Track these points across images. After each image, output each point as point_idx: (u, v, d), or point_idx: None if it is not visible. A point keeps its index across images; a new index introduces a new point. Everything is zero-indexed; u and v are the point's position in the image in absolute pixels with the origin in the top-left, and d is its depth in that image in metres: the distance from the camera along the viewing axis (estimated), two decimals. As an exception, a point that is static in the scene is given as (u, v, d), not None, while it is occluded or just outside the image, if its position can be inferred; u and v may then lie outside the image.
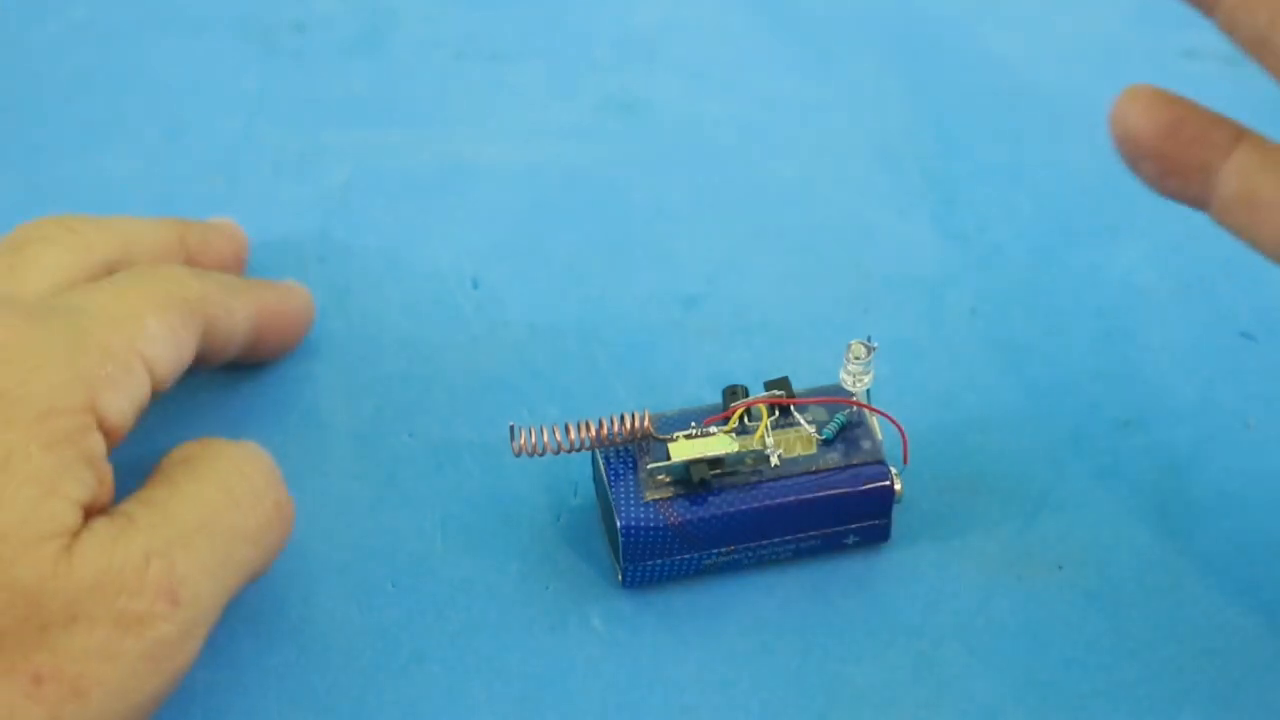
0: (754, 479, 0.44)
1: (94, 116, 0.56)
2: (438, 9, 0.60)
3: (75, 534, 0.37)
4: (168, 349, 0.42)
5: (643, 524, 0.43)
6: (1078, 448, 0.47)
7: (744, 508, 0.43)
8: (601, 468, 0.44)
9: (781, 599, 0.44)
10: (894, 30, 0.60)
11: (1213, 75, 0.57)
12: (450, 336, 0.50)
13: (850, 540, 0.45)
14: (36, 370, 0.39)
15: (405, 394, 0.49)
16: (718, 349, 0.50)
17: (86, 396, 0.39)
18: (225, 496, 0.40)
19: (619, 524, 0.43)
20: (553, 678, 0.43)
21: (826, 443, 0.44)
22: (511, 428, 0.44)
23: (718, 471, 0.44)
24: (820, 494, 0.44)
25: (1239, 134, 0.40)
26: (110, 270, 0.45)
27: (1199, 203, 0.41)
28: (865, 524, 0.44)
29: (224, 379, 0.49)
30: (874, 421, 0.45)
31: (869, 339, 0.44)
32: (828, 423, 0.45)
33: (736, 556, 0.44)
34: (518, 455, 0.44)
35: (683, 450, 0.43)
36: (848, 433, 0.45)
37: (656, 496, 0.43)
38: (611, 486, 0.43)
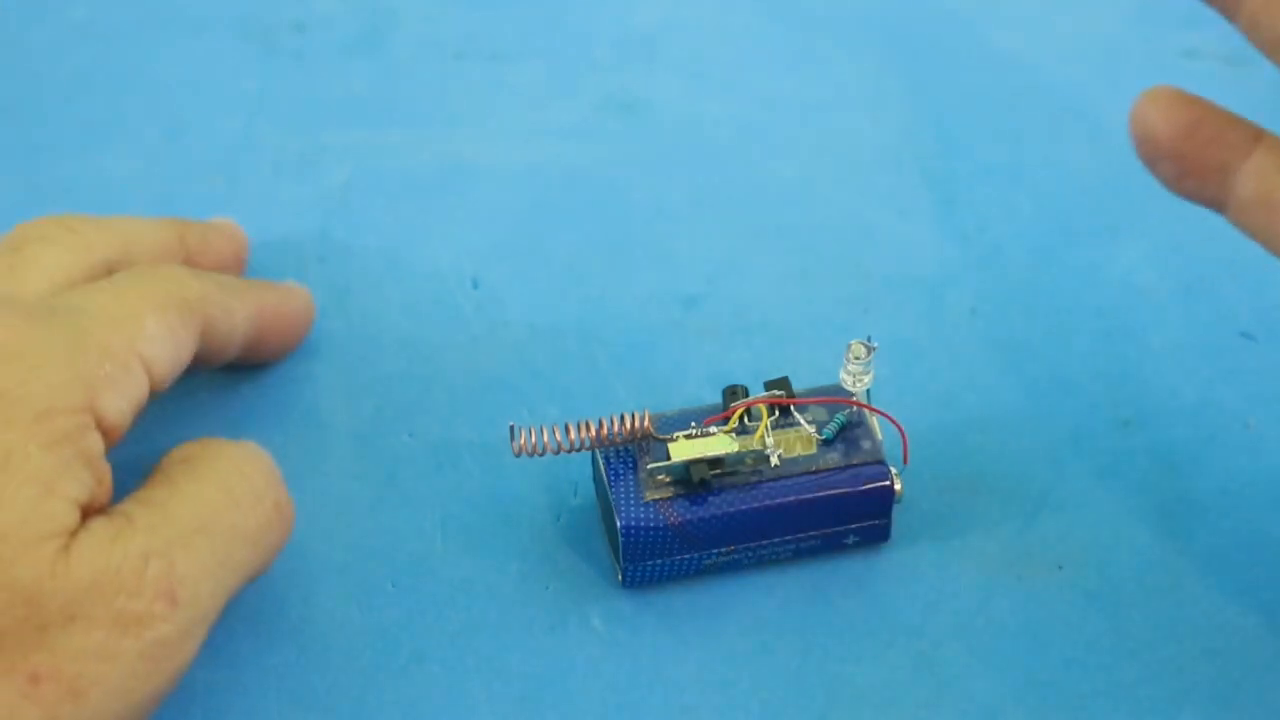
0: (754, 479, 0.44)
1: (94, 116, 0.56)
2: (438, 9, 0.60)
3: (73, 534, 0.37)
4: (166, 349, 0.42)
5: (643, 524, 0.43)
6: (1078, 448, 0.47)
7: (744, 508, 0.43)
8: (601, 468, 0.44)
9: (781, 599, 0.44)
10: (894, 30, 0.60)
11: (1213, 75, 0.57)
12: (450, 336, 0.50)
13: (850, 540, 0.45)
14: (35, 370, 0.39)
15: (405, 394, 0.49)
16: (718, 349, 0.50)
17: (85, 396, 0.39)
18: (225, 497, 0.40)
19: (619, 524, 0.43)
20: (553, 678, 0.43)
21: (826, 443, 0.44)
22: (511, 428, 0.44)
23: (718, 471, 0.44)
24: (820, 494, 0.44)
25: (1258, 135, 0.40)
26: (110, 270, 0.45)
27: (1217, 204, 0.41)
28: (865, 524, 0.44)
29: (224, 379, 0.49)
30: (874, 421, 0.45)
31: (869, 339, 0.44)
32: (828, 423, 0.45)
33: (736, 556, 0.44)
34: (518, 455, 0.44)
35: (683, 450, 0.43)
36: (848, 433, 0.45)
37: (656, 496, 0.43)
38: (611, 486, 0.43)
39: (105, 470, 0.39)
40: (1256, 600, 0.44)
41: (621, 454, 0.44)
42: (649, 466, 0.44)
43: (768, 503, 0.43)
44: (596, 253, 0.53)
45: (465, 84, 0.58)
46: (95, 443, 0.39)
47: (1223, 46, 0.58)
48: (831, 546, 0.45)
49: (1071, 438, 0.48)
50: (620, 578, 0.44)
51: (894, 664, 0.43)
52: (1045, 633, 0.44)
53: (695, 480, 0.43)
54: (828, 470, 0.44)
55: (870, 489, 0.44)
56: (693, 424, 0.44)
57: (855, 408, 0.45)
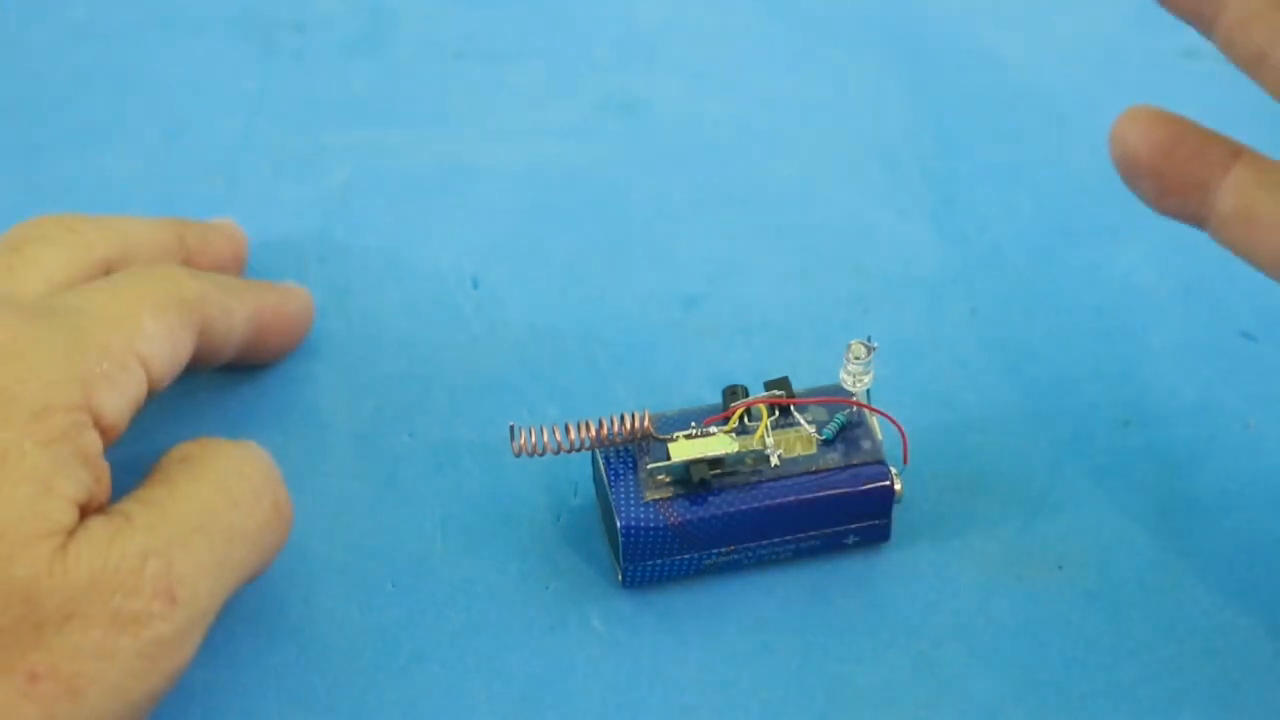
0: (754, 479, 0.44)
1: (94, 116, 0.56)
2: (438, 9, 0.60)
3: (71, 533, 0.37)
4: (164, 348, 0.42)
5: (643, 524, 0.43)
6: (1078, 448, 0.47)
7: (744, 508, 0.43)
8: (601, 468, 0.44)
9: (781, 599, 0.44)
10: (894, 30, 0.60)
11: (1212, 75, 0.57)
12: (450, 336, 0.50)
13: (850, 540, 0.45)
14: (32, 368, 0.39)
15: (405, 394, 0.49)
16: (718, 349, 0.50)
17: (82, 395, 0.39)
18: (224, 496, 0.40)
19: (619, 524, 0.43)
20: (553, 678, 0.43)
21: (826, 443, 0.44)
22: (511, 428, 0.44)
23: (718, 471, 0.44)
24: (820, 494, 0.44)
25: (1236, 151, 0.40)
26: (109, 270, 0.45)
27: (1197, 220, 0.41)
28: (865, 524, 0.44)
29: (224, 379, 0.49)
30: (874, 421, 0.45)
31: (869, 339, 0.44)
32: (828, 423, 0.45)
33: (736, 556, 0.44)
34: (518, 455, 0.44)
35: (683, 450, 0.43)
36: (848, 433, 0.45)
37: (656, 496, 0.43)
38: (611, 486, 0.43)
39: (103, 469, 0.39)
40: (1256, 600, 0.44)
41: (621, 454, 0.44)
42: (649, 466, 0.44)
43: (768, 503, 0.43)
44: (596, 253, 0.53)
45: (465, 84, 0.58)
46: (93, 441, 0.39)
47: (1223, 46, 0.58)
48: (831, 546, 0.45)
49: (1071, 438, 0.48)
50: (620, 578, 0.44)
51: (894, 664, 0.43)
52: (1045, 633, 0.44)
53: (695, 480, 0.43)
54: (828, 470, 0.44)
55: (870, 489, 0.44)
56: (693, 424, 0.44)
57: (855, 408, 0.45)
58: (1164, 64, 0.58)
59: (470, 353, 0.50)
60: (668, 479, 0.44)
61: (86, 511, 0.38)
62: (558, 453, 0.44)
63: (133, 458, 0.42)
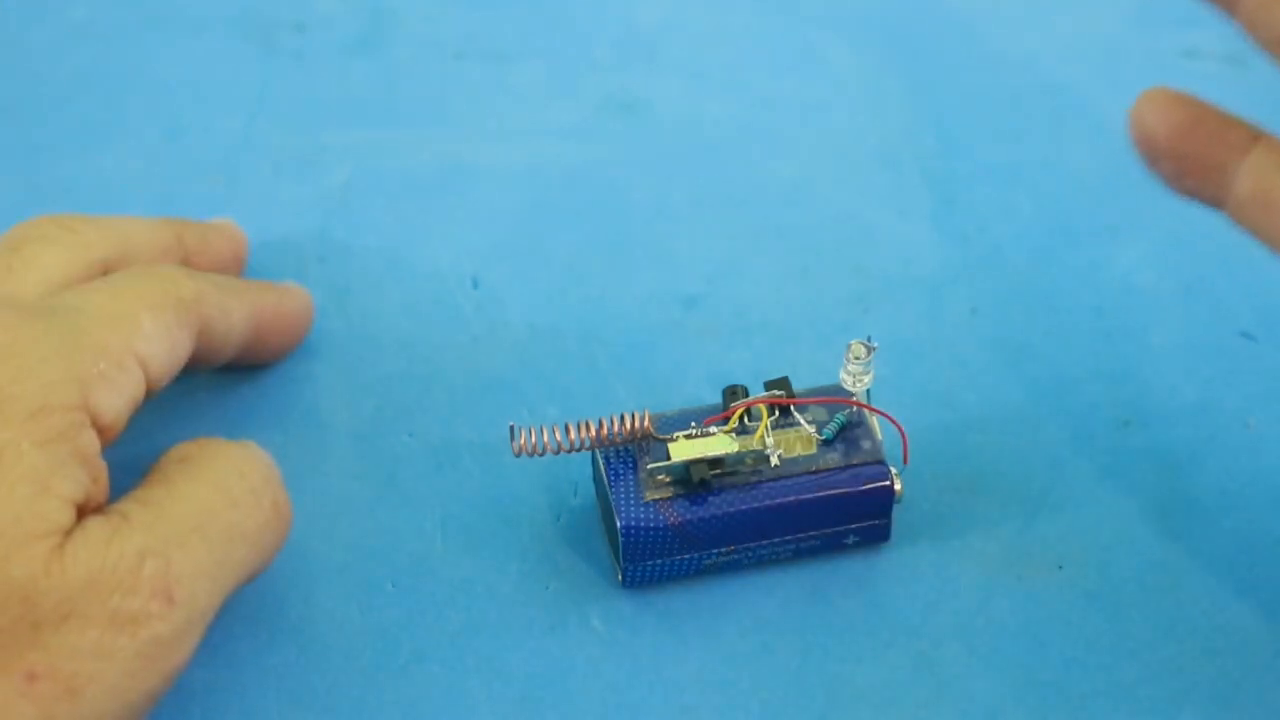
0: (754, 479, 0.44)
1: (94, 116, 0.56)
2: (438, 9, 0.60)
3: (68, 532, 0.37)
4: (163, 348, 0.42)
5: (643, 524, 0.43)
6: (1078, 448, 0.47)
7: (744, 508, 0.43)
8: (601, 468, 0.44)
9: (781, 599, 0.44)
10: (894, 30, 0.60)
11: (1213, 75, 0.57)
12: (450, 336, 0.50)
13: (850, 540, 0.45)
14: (30, 368, 0.39)
15: (405, 394, 0.49)
16: (718, 349, 0.50)
17: (80, 394, 0.39)
18: (223, 496, 0.40)
19: (619, 524, 0.43)
20: (553, 678, 0.43)
21: (826, 443, 0.44)
22: (511, 428, 0.44)
23: (718, 471, 0.44)
24: (820, 494, 0.44)
25: (1255, 135, 0.40)
26: (107, 270, 0.45)
27: (1215, 202, 0.41)
28: (865, 524, 0.44)
29: (224, 379, 0.49)
30: (874, 421, 0.45)
31: (869, 339, 0.44)
32: (828, 423, 0.45)
33: (736, 556, 0.44)
34: (518, 455, 0.44)
35: (683, 450, 0.43)
36: (848, 433, 0.45)
37: (656, 496, 0.43)
38: (611, 486, 0.43)
39: (101, 469, 0.39)
40: (1256, 600, 0.44)
41: (621, 454, 0.44)
42: (649, 466, 0.44)
43: (768, 503, 0.43)
44: (596, 253, 0.53)
45: (465, 84, 0.58)
46: (90, 441, 0.39)
47: (1223, 46, 0.58)
48: (831, 546, 0.45)
49: (1071, 438, 0.48)
50: (620, 578, 0.44)
51: (894, 664, 0.43)
52: (1045, 633, 0.44)
53: (695, 480, 0.43)
54: (828, 470, 0.44)
55: (870, 489, 0.44)
56: (693, 424, 0.44)
57: (855, 408, 0.45)
58: (1164, 64, 0.58)
59: (470, 353, 0.50)
60: (668, 479, 0.44)
61: (84, 511, 0.38)
62: (558, 453, 0.44)
63: (132, 458, 0.42)
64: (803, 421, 0.44)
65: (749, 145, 0.56)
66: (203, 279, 0.45)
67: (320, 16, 0.60)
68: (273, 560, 0.42)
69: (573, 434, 0.44)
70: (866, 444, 0.44)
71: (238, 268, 0.50)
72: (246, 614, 0.44)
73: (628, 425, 0.44)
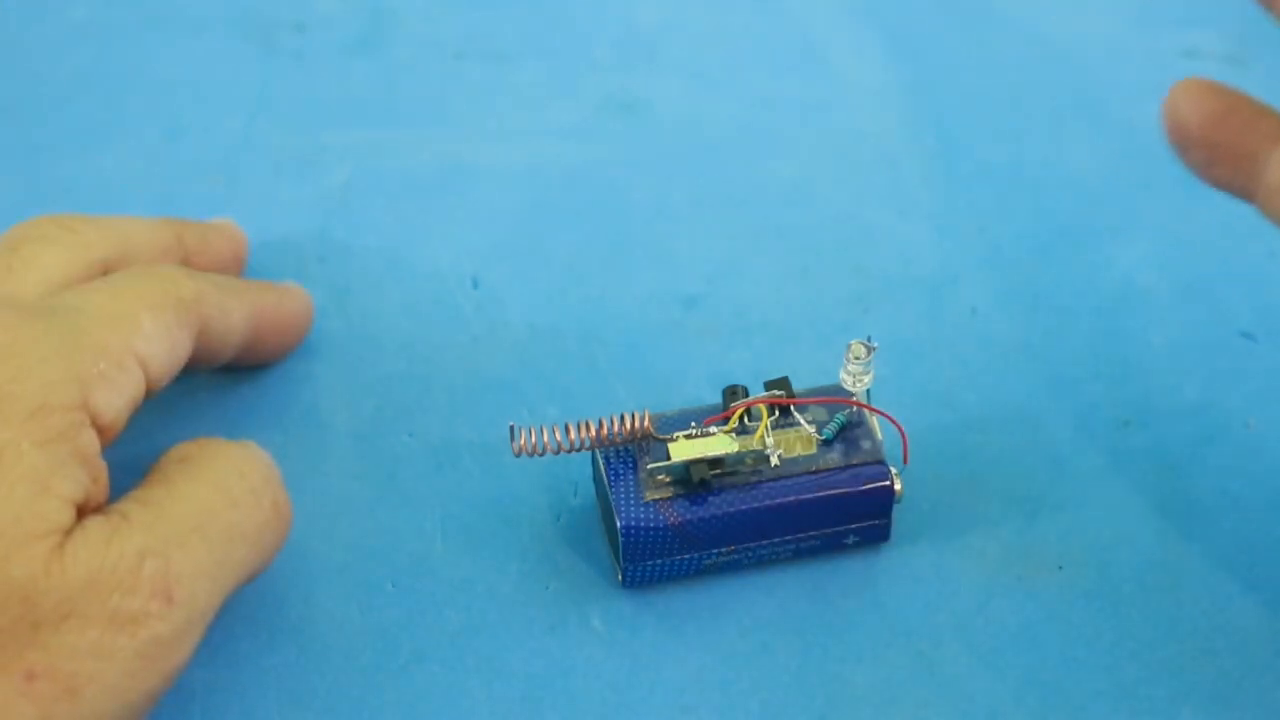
0: (754, 479, 0.44)
1: (94, 116, 0.56)
2: (438, 9, 0.60)
3: (68, 532, 0.37)
4: (163, 347, 0.42)
5: (643, 524, 0.43)
6: (1078, 448, 0.47)
7: (744, 508, 0.43)
8: (601, 468, 0.44)
9: (781, 599, 0.44)
10: (894, 30, 0.60)
11: (1213, 75, 0.56)
12: (450, 336, 0.50)
13: (850, 540, 0.45)
14: (30, 368, 0.39)
15: (405, 394, 0.49)
16: (718, 349, 0.50)
17: (79, 394, 0.39)
18: (222, 496, 0.40)
19: (619, 524, 0.43)
20: (553, 678, 0.43)
21: (826, 443, 0.44)
22: (511, 428, 0.44)
23: (718, 471, 0.44)
24: (820, 494, 0.44)
25: None
26: (107, 270, 0.45)
27: (1245, 193, 0.41)
28: (865, 524, 0.44)
29: (224, 379, 0.49)
30: (874, 421, 0.45)
31: (869, 339, 0.44)
32: (828, 423, 0.45)
33: (736, 556, 0.44)
34: (518, 455, 0.44)
35: (683, 450, 0.43)
36: (848, 433, 0.45)
37: (656, 496, 0.43)
38: (611, 486, 0.43)
39: (101, 468, 0.39)
40: (1256, 600, 0.44)
41: (621, 454, 0.44)
42: (649, 466, 0.44)
43: (768, 503, 0.43)
44: (596, 253, 0.53)
45: (465, 84, 0.58)
46: (90, 441, 0.39)
47: (1223, 46, 0.58)
48: (831, 546, 0.45)
49: (1071, 438, 0.48)
50: (620, 578, 0.44)
51: (894, 664, 0.43)
52: (1045, 633, 0.44)
53: (695, 480, 0.43)
54: (828, 470, 0.44)
55: (870, 489, 0.44)
56: (693, 424, 0.44)
57: (855, 408, 0.45)
58: (1164, 64, 0.58)
59: (470, 353, 0.50)
60: (668, 479, 0.44)
61: (84, 511, 0.38)
62: (558, 453, 0.44)
63: (132, 458, 0.42)
64: (803, 421, 0.45)
65: (749, 145, 0.56)
66: (202, 279, 0.45)
67: (320, 16, 0.60)
68: (273, 560, 0.42)
69: (573, 434, 0.44)
70: (866, 444, 0.44)
71: (238, 268, 0.50)
72: (246, 614, 0.44)
73: (628, 425, 0.44)
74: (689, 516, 0.43)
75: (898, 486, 0.44)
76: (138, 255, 0.46)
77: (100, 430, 0.40)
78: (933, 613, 0.44)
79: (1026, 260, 0.52)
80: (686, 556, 0.44)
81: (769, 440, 0.44)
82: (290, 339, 0.49)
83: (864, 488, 0.44)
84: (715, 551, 0.44)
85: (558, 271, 0.52)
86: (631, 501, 0.43)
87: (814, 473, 0.44)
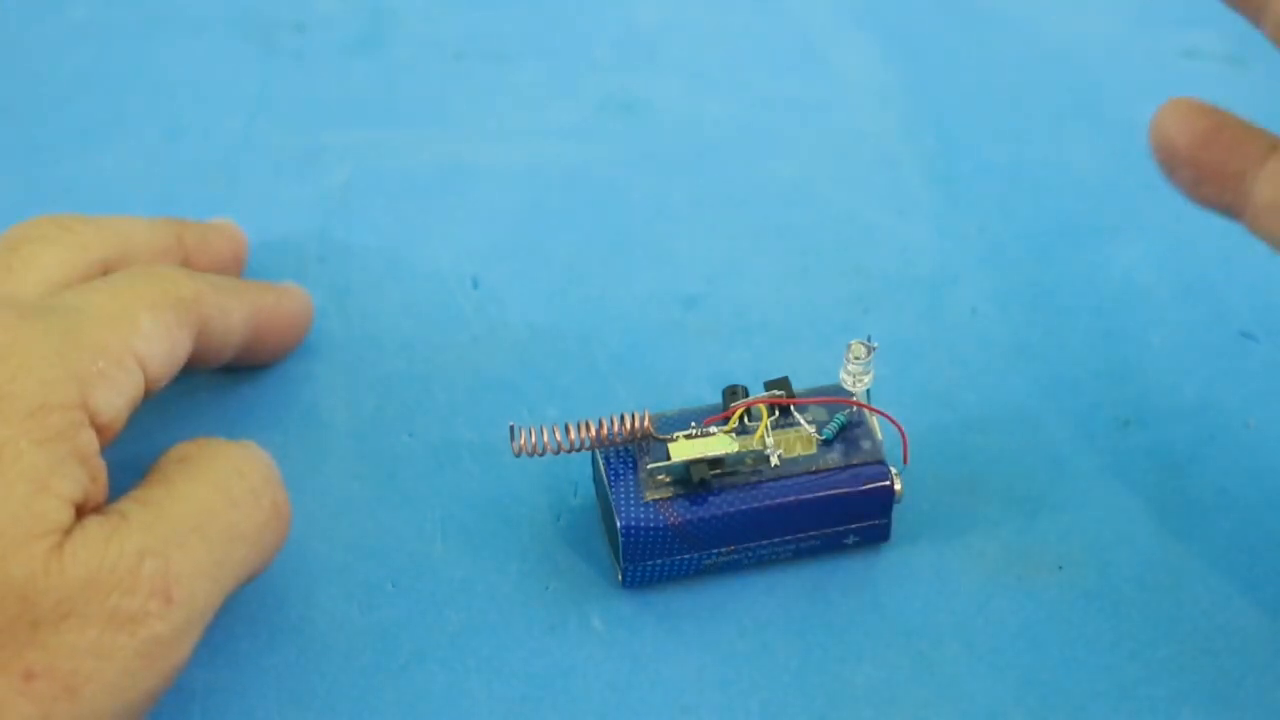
0: (754, 479, 0.44)
1: (94, 116, 0.56)
2: (438, 9, 0.60)
3: (67, 531, 0.37)
4: (162, 347, 0.42)
5: (643, 524, 0.43)
6: (1078, 448, 0.47)
7: (744, 508, 0.43)
8: (601, 468, 0.44)
9: (781, 599, 0.44)
10: (894, 29, 0.60)
11: (1213, 75, 0.57)
12: (450, 336, 0.50)
13: (850, 540, 0.45)
14: (29, 367, 0.39)
15: (405, 394, 0.49)
16: (718, 349, 0.50)
17: (78, 393, 0.39)
18: (222, 496, 0.40)
19: (619, 524, 0.43)
20: (553, 678, 0.43)
21: (826, 443, 0.44)
22: (511, 428, 0.44)
23: (718, 471, 0.44)
24: (820, 494, 0.44)
25: (1274, 144, 0.41)
26: (106, 270, 0.45)
27: (1233, 211, 0.41)
28: (865, 524, 0.44)
29: (224, 379, 0.49)
30: (874, 421, 0.45)
31: (869, 339, 0.44)
32: (828, 423, 0.45)
33: (736, 556, 0.44)
34: (518, 455, 0.44)
35: (683, 450, 0.43)
36: (848, 433, 0.45)
37: (656, 496, 0.43)
38: (611, 486, 0.43)
39: (100, 468, 0.39)
40: (1256, 600, 0.44)
41: (621, 454, 0.44)
42: (649, 466, 0.44)
43: (768, 503, 0.43)
44: (596, 253, 0.53)
45: (465, 84, 0.58)
46: (89, 440, 0.39)
47: (1223, 46, 0.58)
48: (831, 546, 0.45)
49: (1071, 438, 0.48)
50: (620, 578, 0.44)
51: (894, 664, 0.43)
52: (1045, 633, 0.44)
53: (695, 480, 0.43)
54: (828, 470, 0.44)
55: (870, 489, 0.44)
56: (693, 424, 0.44)
57: (855, 408, 0.45)
58: (1164, 64, 0.58)
59: (470, 353, 0.50)
60: (668, 479, 0.44)
61: (83, 511, 0.38)
62: (558, 453, 0.44)
63: (132, 458, 0.42)
64: (803, 421, 0.45)
65: (749, 145, 0.56)
66: (202, 279, 0.45)
67: (320, 16, 0.60)
68: (272, 560, 0.42)
69: (573, 434, 0.44)
70: (866, 444, 0.44)
71: (237, 268, 0.50)
72: (246, 614, 0.44)
73: (628, 425, 0.44)
74: (689, 516, 0.43)
75: (898, 486, 0.44)
76: (137, 255, 0.46)
77: (99, 430, 0.40)
78: (933, 613, 0.44)
79: (1026, 260, 0.52)
80: (686, 556, 0.44)
81: (769, 440, 0.44)
82: (290, 339, 0.49)
83: (864, 488, 0.44)
84: (715, 551, 0.44)
85: (558, 271, 0.52)
86: (631, 501, 0.43)
87: (814, 473, 0.44)
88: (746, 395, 0.45)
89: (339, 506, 0.46)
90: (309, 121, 0.56)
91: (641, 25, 0.60)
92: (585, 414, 0.44)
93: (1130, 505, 0.46)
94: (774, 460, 0.44)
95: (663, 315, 0.51)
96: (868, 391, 0.44)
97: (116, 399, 0.40)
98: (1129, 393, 0.49)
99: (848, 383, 0.44)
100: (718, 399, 0.45)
